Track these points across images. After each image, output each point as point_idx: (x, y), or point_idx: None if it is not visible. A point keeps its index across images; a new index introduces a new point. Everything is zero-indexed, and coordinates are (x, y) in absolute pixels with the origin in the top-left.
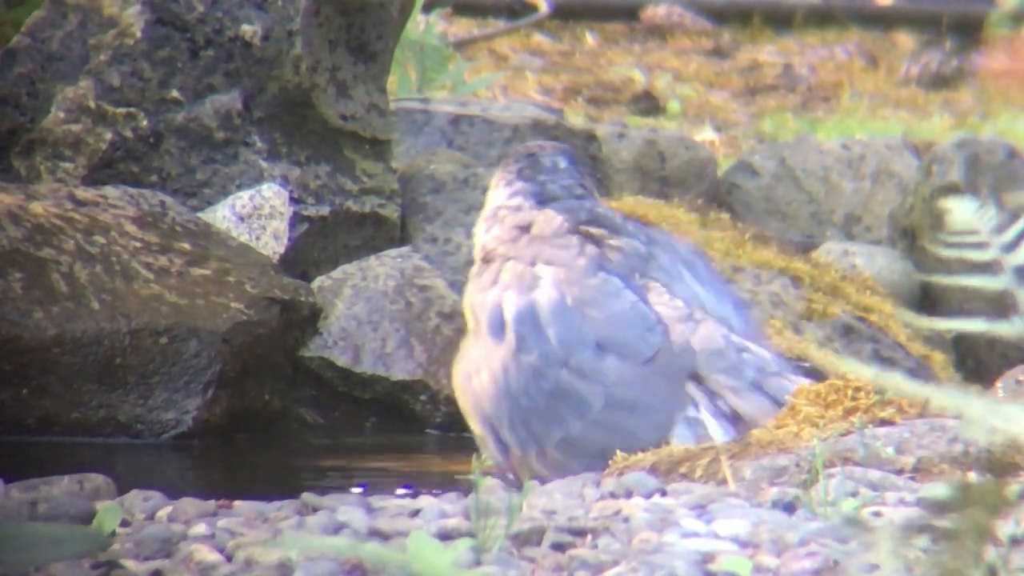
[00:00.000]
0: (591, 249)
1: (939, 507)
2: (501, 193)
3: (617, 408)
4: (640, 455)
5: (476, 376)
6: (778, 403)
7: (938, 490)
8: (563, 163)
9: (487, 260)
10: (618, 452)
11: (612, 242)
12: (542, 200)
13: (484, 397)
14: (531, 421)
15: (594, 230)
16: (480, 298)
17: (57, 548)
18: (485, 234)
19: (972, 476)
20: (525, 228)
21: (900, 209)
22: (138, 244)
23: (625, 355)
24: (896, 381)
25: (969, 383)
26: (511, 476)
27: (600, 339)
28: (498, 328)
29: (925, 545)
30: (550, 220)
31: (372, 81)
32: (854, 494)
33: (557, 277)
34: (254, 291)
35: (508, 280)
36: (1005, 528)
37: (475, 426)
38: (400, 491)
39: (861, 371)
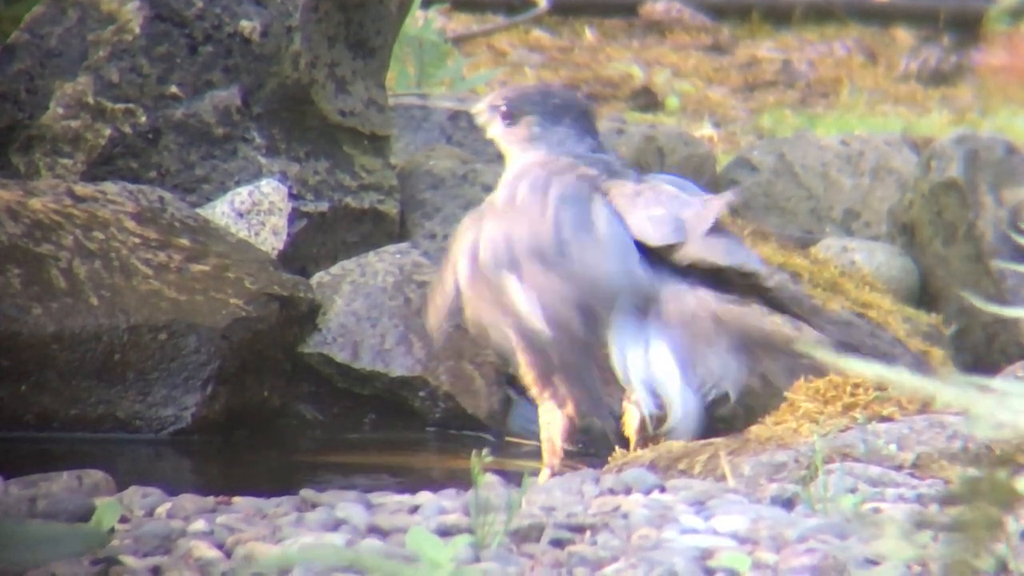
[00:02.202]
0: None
1: (949, 500)
2: (567, 147)
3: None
4: (639, 451)
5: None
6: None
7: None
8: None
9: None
10: (617, 449)
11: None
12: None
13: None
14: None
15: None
16: (523, 182)
17: (56, 546)
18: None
19: (973, 471)
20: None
21: (899, 205)
22: (137, 240)
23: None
24: (901, 378)
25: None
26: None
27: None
28: (539, 193)
29: (933, 537)
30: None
31: (371, 77)
32: (853, 490)
33: (610, 204)
34: (253, 287)
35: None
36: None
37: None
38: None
39: (864, 369)
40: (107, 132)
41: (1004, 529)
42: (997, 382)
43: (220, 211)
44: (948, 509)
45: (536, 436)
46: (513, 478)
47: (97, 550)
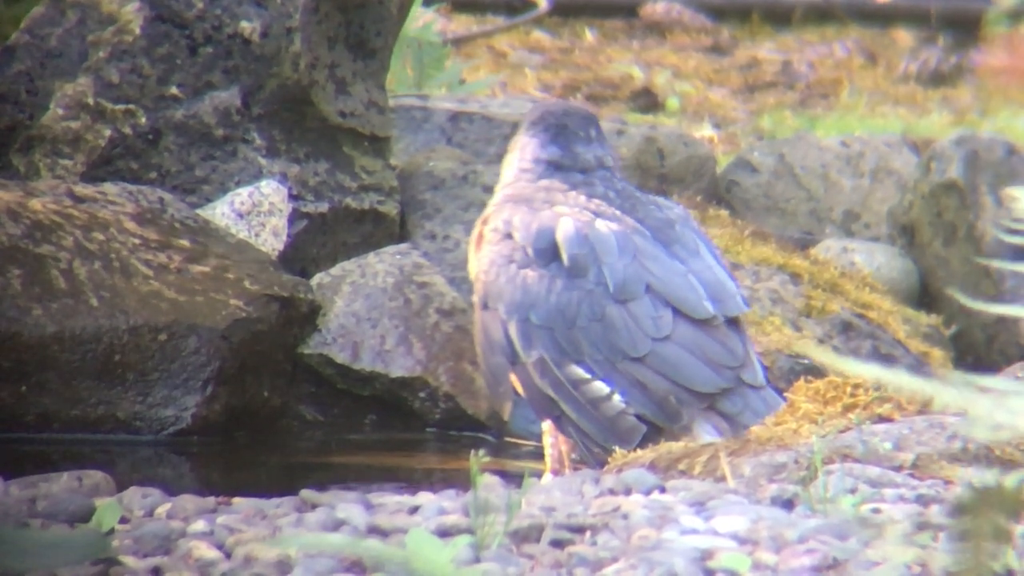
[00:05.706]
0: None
1: (955, 509)
2: (528, 154)
3: (660, 362)
4: (639, 452)
5: (518, 271)
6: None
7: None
8: (594, 132)
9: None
10: (617, 450)
11: (648, 217)
12: (573, 169)
13: (518, 292)
14: (561, 335)
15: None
16: (522, 217)
17: (57, 552)
18: (511, 181)
19: (972, 473)
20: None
21: (899, 206)
22: (137, 241)
23: (681, 313)
24: (899, 379)
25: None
26: (492, 377)
27: (655, 290)
28: (546, 249)
29: (941, 544)
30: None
31: (371, 78)
32: (853, 491)
33: (616, 226)
34: (253, 288)
35: (564, 211)
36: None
37: (499, 308)
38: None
39: (862, 370)
40: (107, 133)
41: (1011, 538)
42: (996, 381)
43: (220, 212)
44: (954, 518)
45: (536, 437)
46: (513, 479)
47: (98, 554)
